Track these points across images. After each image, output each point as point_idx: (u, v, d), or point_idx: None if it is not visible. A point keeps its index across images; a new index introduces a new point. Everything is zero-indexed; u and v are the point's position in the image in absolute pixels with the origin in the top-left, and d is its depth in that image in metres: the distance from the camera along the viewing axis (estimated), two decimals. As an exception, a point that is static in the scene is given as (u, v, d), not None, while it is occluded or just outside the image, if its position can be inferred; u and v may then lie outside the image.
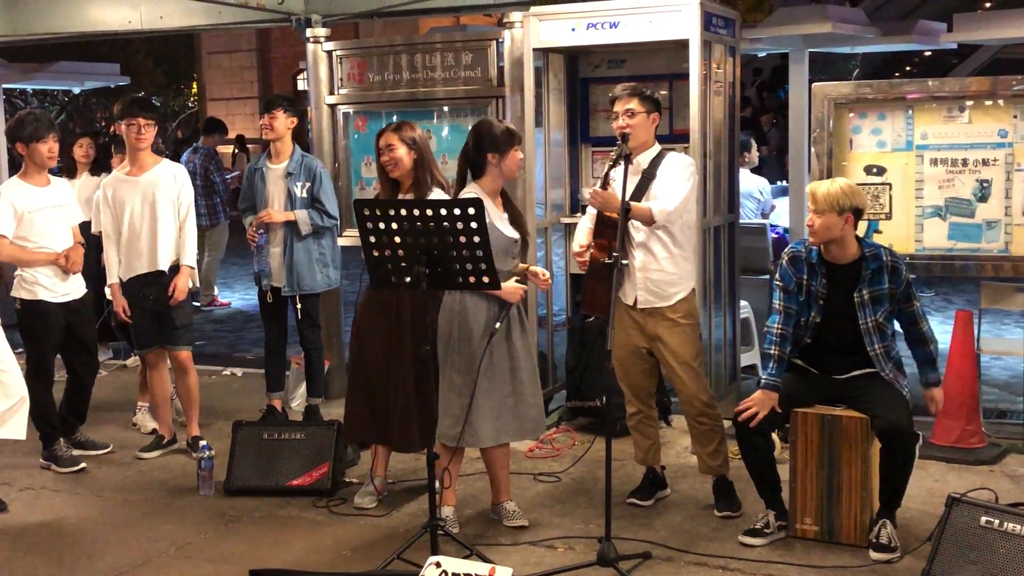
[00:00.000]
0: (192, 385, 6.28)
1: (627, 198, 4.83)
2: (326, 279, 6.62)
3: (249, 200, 6.63)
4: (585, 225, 5.27)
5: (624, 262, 4.90)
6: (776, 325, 4.85)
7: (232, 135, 19.53)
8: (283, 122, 6.46)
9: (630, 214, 4.88)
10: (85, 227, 6.50)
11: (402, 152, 5.24)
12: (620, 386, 5.32)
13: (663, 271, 5.09)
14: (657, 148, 5.15)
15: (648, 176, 5.06)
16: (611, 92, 5.17)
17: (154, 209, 6.08)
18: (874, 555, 4.56)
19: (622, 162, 4.89)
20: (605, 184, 5.02)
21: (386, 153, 5.26)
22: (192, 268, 6.23)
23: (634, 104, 5.04)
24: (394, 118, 7.07)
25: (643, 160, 5.10)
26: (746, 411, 4.76)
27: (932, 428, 5.89)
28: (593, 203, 4.99)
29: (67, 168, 7.94)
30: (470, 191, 4.89)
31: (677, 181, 5.02)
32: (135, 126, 6.05)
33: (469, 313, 4.87)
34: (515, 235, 4.97)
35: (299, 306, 6.56)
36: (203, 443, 5.99)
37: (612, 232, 4.89)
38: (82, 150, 7.93)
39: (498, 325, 4.85)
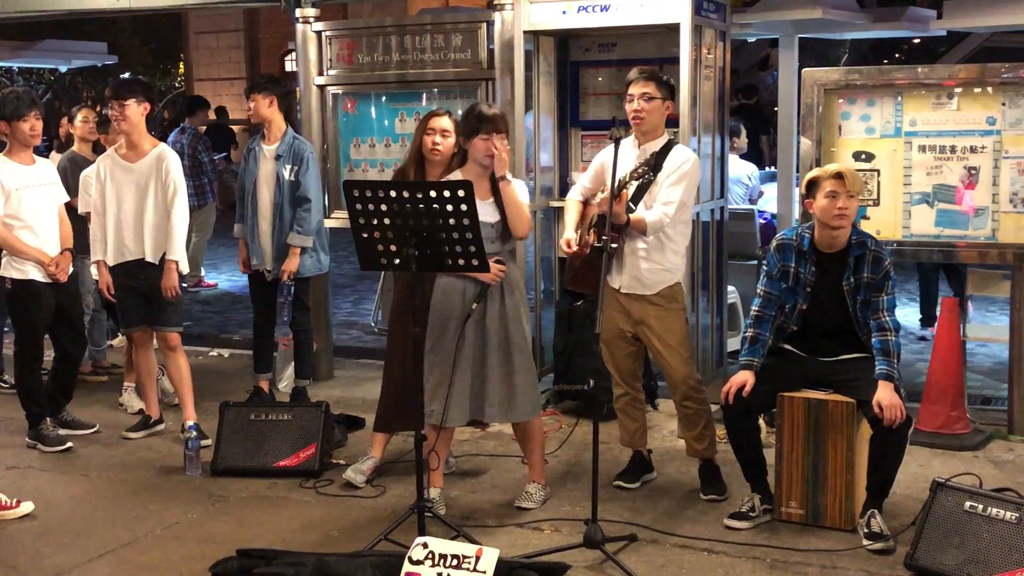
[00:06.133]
0: (183, 365, 6.17)
1: (624, 185, 4.81)
2: (317, 264, 6.62)
3: (242, 183, 6.64)
4: (575, 204, 5.24)
5: (614, 245, 4.90)
6: (754, 308, 4.94)
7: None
8: (263, 104, 6.46)
9: (628, 227, 4.88)
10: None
11: (452, 140, 5.24)
12: (607, 369, 5.33)
13: (650, 260, 5.07)
14: (665, 138, 5.09)
15: (653, 168, 4.95)
16: (628, 76, 5.09)
17: (155, 196, 5.96)
18: (868, 544, 4.55)
19: (613, 143, 4.82)
20: (620, 191, 4.84)
21: (439, 136, 5.25)
22: (178, 261, 5.99)
23: (651, 88, 4.99)
24: (383, 99, 7.11)
25: (649, 149, 5.02)
26: (730, 393, 4.78)
27: (917, 413, 5.92)
28: (601, 208, 4.92)
29: (58, 144, 7.83)
30: (455, 175, 4.90)
31: (676, 187, 4.96)
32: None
33: (445, 295, 4.88)
34: (493, 219, 4.89)
35: (291, 285, 6.55)
36: (189, 424, 5.99)
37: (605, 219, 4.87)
38: (88, 125, 7.25)
39: (475, 306, 4.85)
